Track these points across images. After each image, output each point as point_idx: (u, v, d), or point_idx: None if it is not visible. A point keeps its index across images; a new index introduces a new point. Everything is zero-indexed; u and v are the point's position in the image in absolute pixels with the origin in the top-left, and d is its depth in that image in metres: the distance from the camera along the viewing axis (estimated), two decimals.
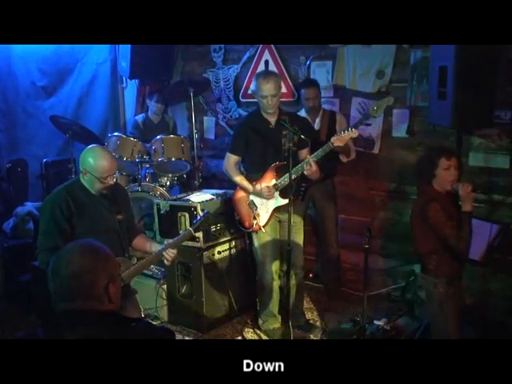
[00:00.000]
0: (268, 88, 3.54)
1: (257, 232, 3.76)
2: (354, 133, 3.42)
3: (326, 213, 4.43)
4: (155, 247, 3.09)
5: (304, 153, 3.65)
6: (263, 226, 3.72)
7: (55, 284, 1.62)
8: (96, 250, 1.68)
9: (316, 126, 4.28)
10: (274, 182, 3.66)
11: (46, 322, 1.62)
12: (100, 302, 1.61)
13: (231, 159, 3.79)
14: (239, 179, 3.76)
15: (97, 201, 3.00)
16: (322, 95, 4.51)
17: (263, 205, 3.71)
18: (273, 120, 3.67)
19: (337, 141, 3.42)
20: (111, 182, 2.96)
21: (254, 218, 3.71)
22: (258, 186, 3.66)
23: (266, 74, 3.87)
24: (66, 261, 1.63)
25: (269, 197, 3.63)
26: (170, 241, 3.11)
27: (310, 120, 4.20)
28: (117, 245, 2.96)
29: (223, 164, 3.85)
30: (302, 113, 4.31)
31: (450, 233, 2.91)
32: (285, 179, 3.57)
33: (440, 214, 2.92)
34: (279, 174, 3.64)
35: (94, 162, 2.90)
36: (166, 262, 3.02)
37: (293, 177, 3.38)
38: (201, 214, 3.29)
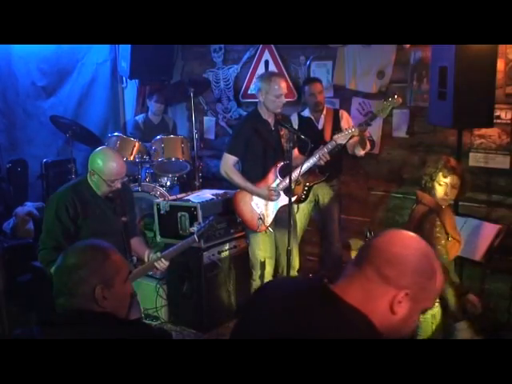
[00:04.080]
0: (283, 86, 3.59)
1: (255, 233, 3.74)
2: (354, 131, 3.60)
3: (330, 214, 4.40)
4: (145, 254, 3.04)
5: (295, 152, 3.72)
6: (269, 226, 3.70)
7: (53, 280, 1.59)
8: (97, 248, 1.63)
9: (320, 125, 4.29)
10: (277, 182, 3.65)
11: (42, 321, 1.58)
12: (86, 302, 1.54)
13: (230, 160, 3.70)
14: (242, 181, 3.68)
15: (103, 202, 2.97)
16: None
17: (268, 205, 3.69)
18: (271, 121, 3.68)
19: (338, 139, 3.56)
20: (118, 186, 2.91)
21: (260, 219, 3.67)
22: (263, 190, 3.63)
23: (275, 73, 4.02)
24: (65, 255, 1.61)
25: (275, 199, 3.62)
26: (174, 246, 3.09)
27: (313, 119, 4.24)
28: (120, 247, 2.93)
29: (220, 166, 3.75)
30: (306, 113, 4.32)
31: (440, 251, 2.76)
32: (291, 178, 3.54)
33: (435, 230, 2.79)
34: (282, 173, 3.64)
35: (103, 165, 2.83)
36: (155, 270, 3.02)
37: (298, 174, 3.52)
38: (205, 220, 3.23)
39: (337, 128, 4.14)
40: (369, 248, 1.27)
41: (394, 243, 1.25)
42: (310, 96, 4.24)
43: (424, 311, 1.30)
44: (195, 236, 3.06)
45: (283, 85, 3.59)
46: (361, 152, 4.05)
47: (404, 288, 1.22)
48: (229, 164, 3.70)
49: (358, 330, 1.21)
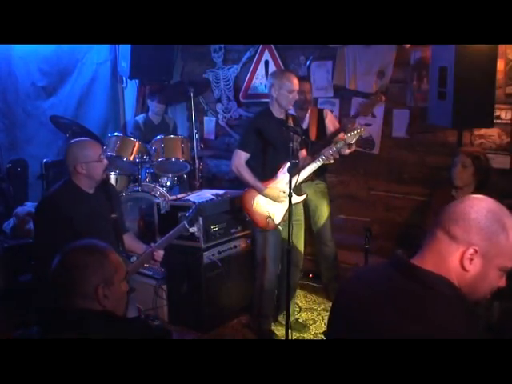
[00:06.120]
0: (296, 82, 3.61)
1: (261, 231, 3.73)
2: (362, 130, 3.63)
3: (319, 211, 4.39)
4: (141, 249, 3.12)
5: (303, 153, 3.73)
6: (278, 224, 3.69)
7: (51, 281, 1.59)
8: (95, 248, 1.64)
9: (305, 124, 4.27)
10: (285, 181, 3.64)
11: (42, 321, 1.58)
12: (88, 301, 1.55)
13: (242, 156, 3.64)
14: (252, 179, 3.65)
15: (92, 200, 3.01)
16: (322, 95, 4.50)
17: (277, 203, 3.67)
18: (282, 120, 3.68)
19: (348, 138, 3.59)
20: (106, 162, 3.02)
21: (270, 218, 3.66)
22: (273, 191, 3.63)
23: (289, 70, 4.12)
24: (62, 256, 1.60)
25: (284, 202, 3.61)
26: (167, 235, 3.15)
27: (298, 118, 4.23)
28: (113, 244, 2.95)
29: (232, 162, 3.70)
30: (291, 111, 4.27)
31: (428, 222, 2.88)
32: (299, 178, 3.55)
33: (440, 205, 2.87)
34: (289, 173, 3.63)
35: (83, 150, 2.95)
36: (152, 262, 3.11)
37: (308, 173, 3.60)
38: (192, 207, 3.36)
39: (322, 127, 4.15)
40: (440, 213, 1.34)
41: (461, 203, 1.31)
42: (299, 94, 4.19)
43: (506, 269, 1.30)
44: (185, 222, 3.11)
45: (296, 81, 3.62)
46: (346, 151, 4.00)
47: (472, 244, 1.25)
48: (241, 160, 3.65)
49: (439, 292, 1.25)
